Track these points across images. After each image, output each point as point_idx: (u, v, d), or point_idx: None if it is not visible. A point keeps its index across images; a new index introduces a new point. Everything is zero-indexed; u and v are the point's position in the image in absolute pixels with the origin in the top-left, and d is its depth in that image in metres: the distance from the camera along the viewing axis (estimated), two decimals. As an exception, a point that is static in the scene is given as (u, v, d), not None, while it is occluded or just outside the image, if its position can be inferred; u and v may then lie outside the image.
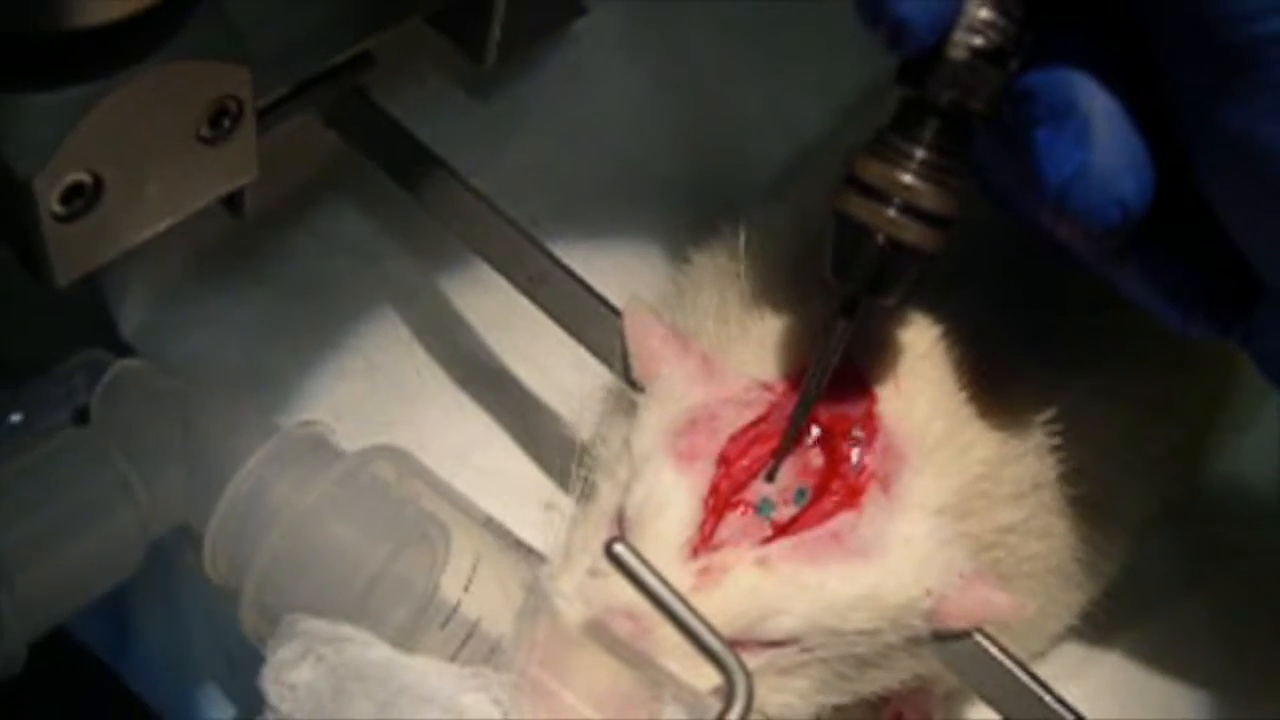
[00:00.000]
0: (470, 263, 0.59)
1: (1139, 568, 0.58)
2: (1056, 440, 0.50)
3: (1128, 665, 0.60)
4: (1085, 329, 0.53)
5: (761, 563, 0.45)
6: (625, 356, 0.50)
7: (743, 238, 0.52)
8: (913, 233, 0.43)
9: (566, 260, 0.53)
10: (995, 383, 0.49)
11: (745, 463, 0.47)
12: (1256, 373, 0.49)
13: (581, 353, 0.52)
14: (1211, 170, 0.41)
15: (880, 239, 0.43)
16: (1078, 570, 0.53)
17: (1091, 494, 0.51)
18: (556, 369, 0.61)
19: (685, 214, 0.66)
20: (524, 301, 0.53)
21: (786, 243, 0.52)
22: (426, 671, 0.44)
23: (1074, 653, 0.59)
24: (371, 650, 0.45)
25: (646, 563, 0.42)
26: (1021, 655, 0.48)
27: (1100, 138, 0.41)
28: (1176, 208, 0.42)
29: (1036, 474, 0.50)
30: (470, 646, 0.49)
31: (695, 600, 0.43)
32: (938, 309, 0.49)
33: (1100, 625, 0.57)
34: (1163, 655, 0.60)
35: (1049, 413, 0.50)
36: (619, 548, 0.42)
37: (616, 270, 0.62)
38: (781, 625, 0.45)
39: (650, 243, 0.67)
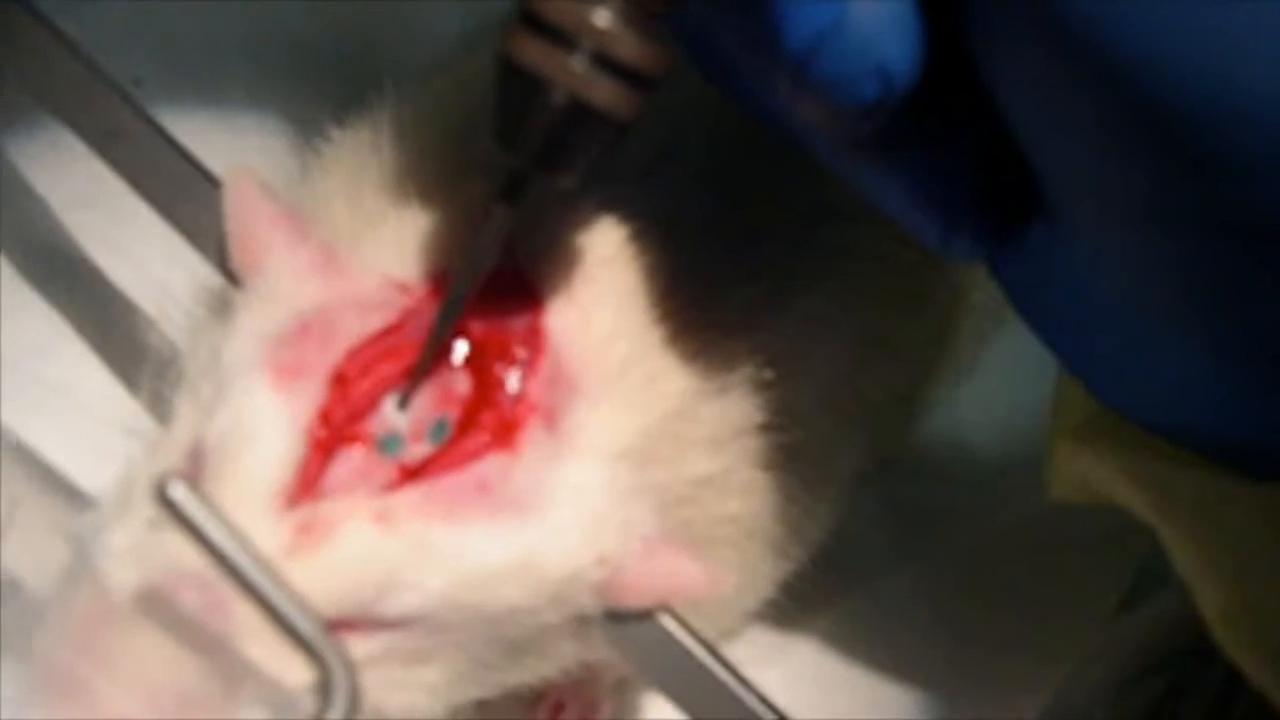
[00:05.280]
0: (48, 125, 0.47)
1: (844, 534, 0.51)
2: (765, 375, 0.42)
3: (830, 648, 0.53)
4: (803, 243, 0.45)
5: (382, 517, 0.35)
6: (223, 240, 0.40)
7: (390, 106, 0.43)
8: (604, 91, 0.33)
9: (174, 132, 0.43)
10: (694, 300, 0.41)
11: (368, 384, 0.37)
12: (978, 315, 0.47)
13: (182, 242, 0.42)
14: (999, 36, 0.33)
15: (559, 96, 0.33)
16: (782, 535, 0.45)
17: (802, 445, 0.44)
18: (150, 261, 0.49)
19: (329, 91, 0.54)
20: (115, 176, 0.43)
21: (442, 116, 0.43)
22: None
23: (769, 633, 0.52)
24: None
25: (215, 511, 0.31)
26: (710, 635, 0.41)
27: None
28: (946, 89, 0.34)
29: (740, 416, 0.42)
30: (8, 615, 0.38)
31: (292, 566, 0.34)
32: (627, 204, 0.41)
33: (800, 600, 0.50)
34: (870, 636, 0.54)
35: (757, 342, 0.42)
36: (175, 489, 0.30)
37: (234, 148, 0.53)
38: (406, 601, 0.36)
39: (283, 120, 0.57)
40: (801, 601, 0.49)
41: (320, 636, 0.31)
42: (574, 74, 0.33)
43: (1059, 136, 0.33)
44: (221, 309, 0.41)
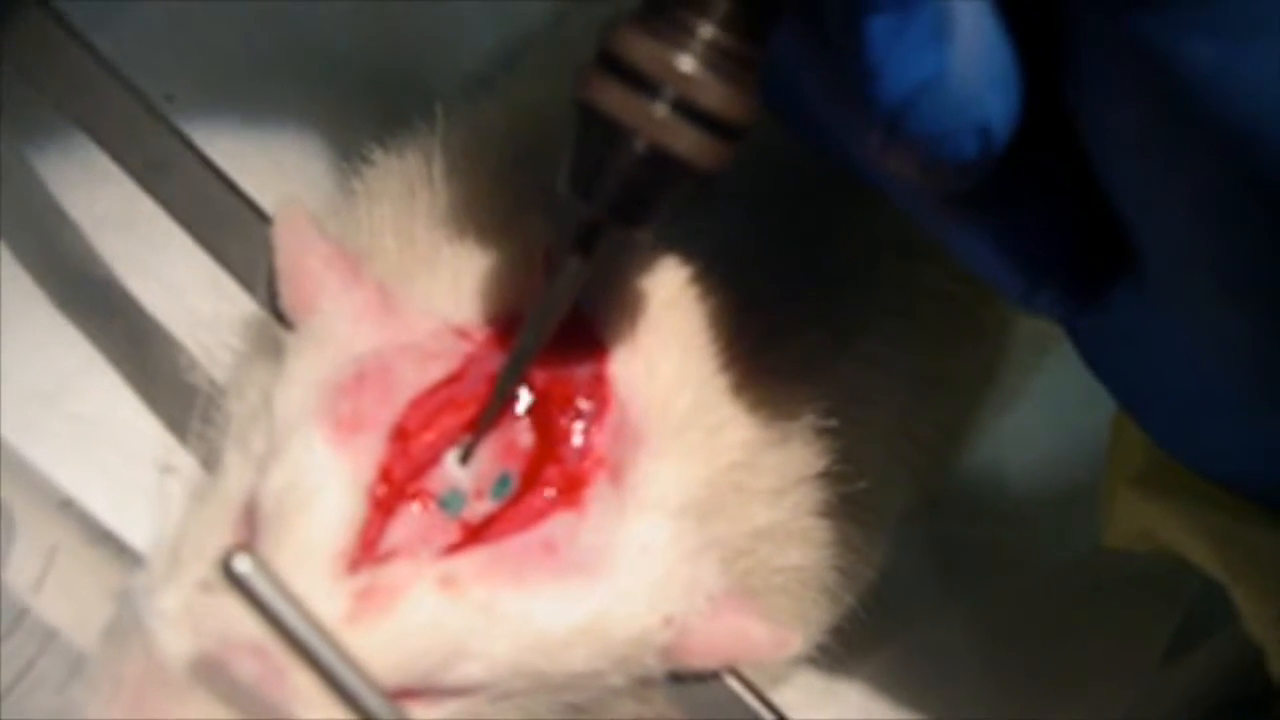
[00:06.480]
0: (80, 142, 0.45)
1: (889, 573, 0.49)
2: (827, 422, 0.40)
3: (878, 692, 0.51)
4: (860, 281, 0.43)
5: (446, 583, 0.34)
6: (272, 279, 0.38)
7: (440, 134, 0.41)
8: (687, 140, 0.31)
9: (207, 151, 0.41)
10: (755, 345, 0.39)
11: (429, 438, 0.35)
12: (1023, 346, 0.46)
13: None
14: (1101, 98, 0.31)
15: (640, 145, 0.31)
16: (835, 580, 0.44)
17: (858, 489, 0.42)
18: (187, 288, 0.48)
19: (368, 107, 0.54)
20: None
21: (497, 145, 0.41)
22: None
23: (816, 677, 0.50)
24: None
25: (281, 586, 0.29)
26: (759, 679, 0.39)
27: (962, 37, 0.30)
28: (1038, 146, 0.32)
29: (801, 464, 0.40)
30: (45, 664, 0.37)
31: (353, 634, 0.32)
32: (686, 243, 0.39)
33: (847, 643, 0.48)
34: (916, 679, 0.52)
35: (817, 387, 0.40)
36: (240, 563, 0.29)
37: (273, 170, 0.51)
38: (471, 669, 0.34)
39: (320, 138, 0.54)
40: (848, 644, 0.48)
41: (386, 709, 0.30)
42: (655, 121, 0.31)
43: (1161, 202, 0.32)
44: (267, 345, 0.39)
